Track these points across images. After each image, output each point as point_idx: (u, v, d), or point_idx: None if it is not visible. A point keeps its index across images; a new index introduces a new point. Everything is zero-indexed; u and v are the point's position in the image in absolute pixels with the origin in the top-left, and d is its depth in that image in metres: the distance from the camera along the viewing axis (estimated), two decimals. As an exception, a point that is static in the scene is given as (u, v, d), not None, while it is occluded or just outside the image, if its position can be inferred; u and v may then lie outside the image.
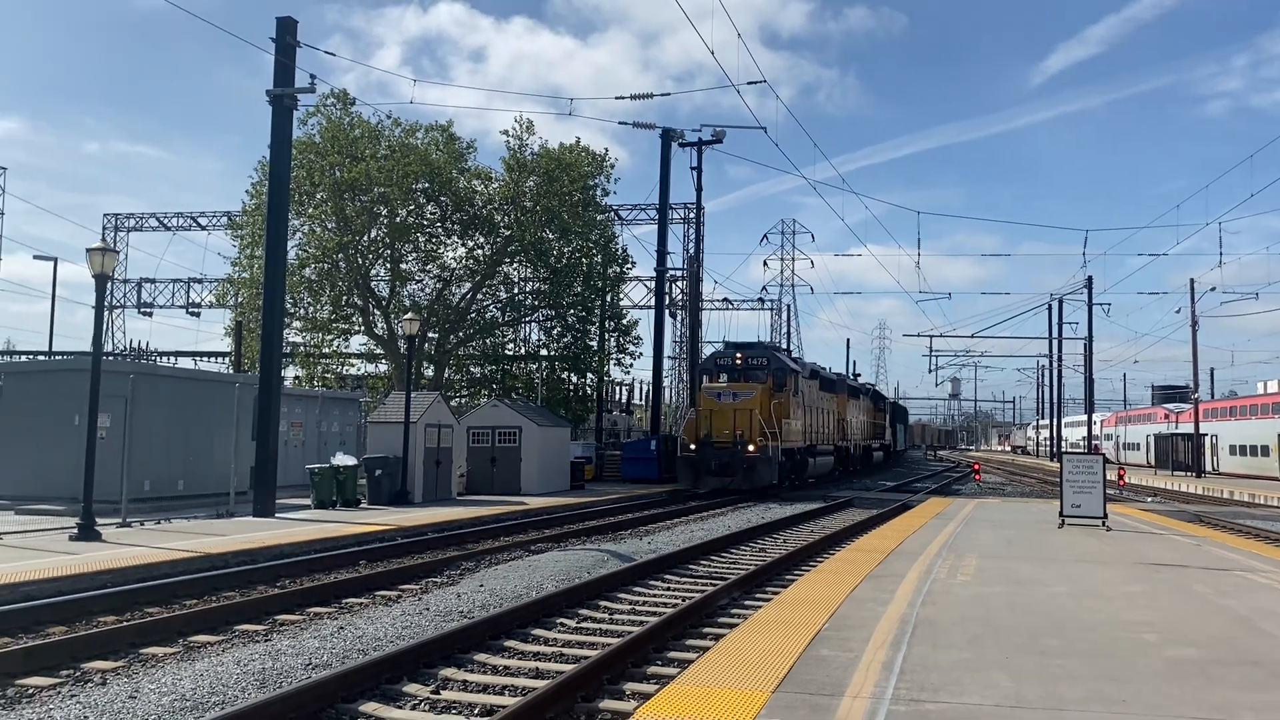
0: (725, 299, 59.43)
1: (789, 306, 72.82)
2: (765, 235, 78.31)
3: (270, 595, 11.49)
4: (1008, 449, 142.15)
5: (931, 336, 54.87)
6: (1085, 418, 63.05)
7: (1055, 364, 64.84)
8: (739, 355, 32.70)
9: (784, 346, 44.53)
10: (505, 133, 38.14)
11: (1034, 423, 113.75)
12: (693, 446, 30.38)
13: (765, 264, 73.80)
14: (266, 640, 9.29)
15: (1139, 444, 73.53)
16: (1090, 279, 52.92)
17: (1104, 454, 28.17)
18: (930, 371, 72.78)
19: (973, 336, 57.86)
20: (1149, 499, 34.62)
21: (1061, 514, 18.15)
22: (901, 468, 56.90)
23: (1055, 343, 59.69)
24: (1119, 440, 78.57)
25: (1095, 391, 61.01)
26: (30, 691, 7.56)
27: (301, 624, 10.22)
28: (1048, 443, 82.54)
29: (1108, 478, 19.41)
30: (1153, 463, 64.04)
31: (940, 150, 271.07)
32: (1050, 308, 57.21)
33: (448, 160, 36.58)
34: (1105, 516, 17.92)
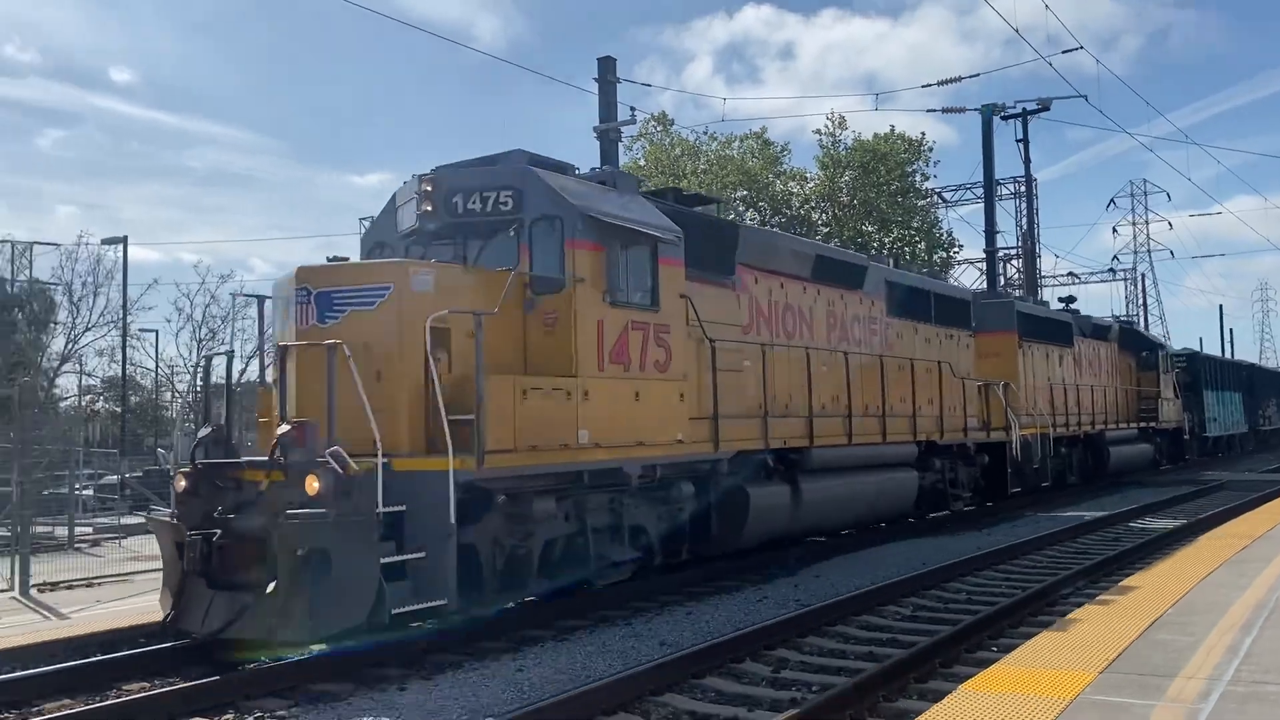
0: (1070, 273, 56.01)
1: (1144, 275, 67.25)
2: (1112, 199, 72.62)
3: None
4: None
5: (1321, 295, 48.31)
6: None
7: None
8: (427, 181, 10.47)
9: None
10: (817, 132, 38.59)
11: None
12: (181, 484, 9.13)
13: (1114, 230, 68.57)
14: (627, 625, 10.45)
15: None
16: None
17: None
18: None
19: (1375, 290, 50.30)
20: None
21: None
22: (1219, 467, 35.46)
23: None
24: None
25: None
26: (442, 664, 9.09)
27: (655, 611, 11.32)
28: None
29: None
30: None
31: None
32: None
33: (763, 166, 37.64)
34: None
